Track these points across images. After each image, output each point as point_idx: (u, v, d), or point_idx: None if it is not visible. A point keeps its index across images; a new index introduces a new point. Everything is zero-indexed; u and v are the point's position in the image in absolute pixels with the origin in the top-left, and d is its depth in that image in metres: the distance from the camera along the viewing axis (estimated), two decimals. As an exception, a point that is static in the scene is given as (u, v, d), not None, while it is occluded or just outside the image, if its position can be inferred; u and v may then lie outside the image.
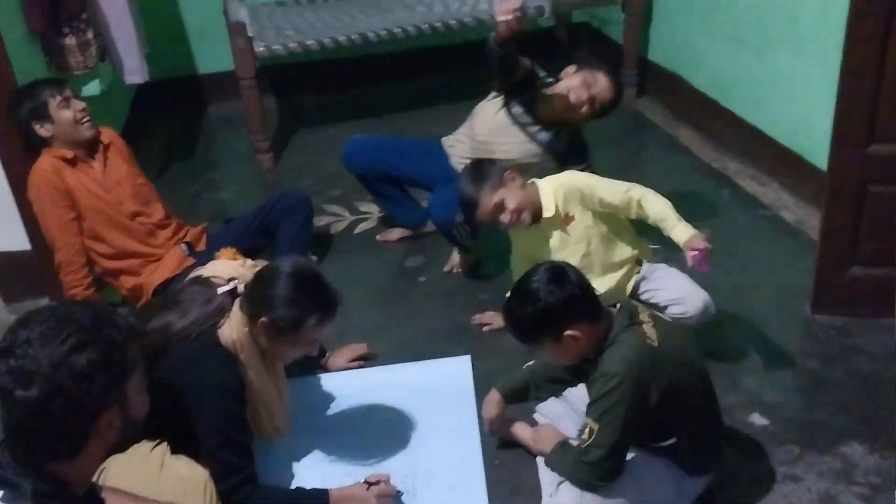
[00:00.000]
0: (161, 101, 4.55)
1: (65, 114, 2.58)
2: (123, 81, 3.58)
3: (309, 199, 2.99)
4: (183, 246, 2.78)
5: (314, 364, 2.46)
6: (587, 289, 1.84)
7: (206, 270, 2.09)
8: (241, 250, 2.81)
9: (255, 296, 1.92)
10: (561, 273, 1.82)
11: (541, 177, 2.47)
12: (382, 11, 4.17)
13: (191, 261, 2.73)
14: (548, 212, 2.37)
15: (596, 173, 2.66)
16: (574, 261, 2.24)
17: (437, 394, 2.35)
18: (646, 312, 1.88)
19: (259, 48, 3.73)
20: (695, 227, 3.17)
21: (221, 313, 1.97)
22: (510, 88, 2.85)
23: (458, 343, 2.60)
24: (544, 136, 2.82)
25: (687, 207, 3.27)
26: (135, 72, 3.51)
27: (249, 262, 2.12)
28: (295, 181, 3.78)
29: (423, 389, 2.37)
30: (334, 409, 2.35)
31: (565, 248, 2.38)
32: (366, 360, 2.54)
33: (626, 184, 2.40)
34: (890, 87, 2.28)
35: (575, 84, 2.72)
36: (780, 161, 3.36)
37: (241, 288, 1.98)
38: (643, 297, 2.41)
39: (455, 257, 3.01)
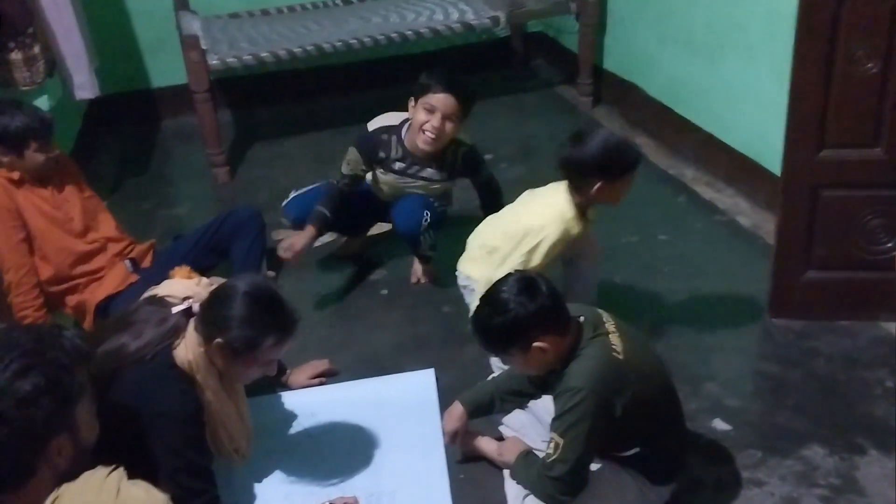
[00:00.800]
0: (114, 116, 4.48)
1: (37, 157, 2.53)
2: (73, 97, 3.50)
3: (259, 214, 2.94)
4: (127, 262, 2.72)
5: (275, 382, 2.41)
6: (557, 300, 1.83)
7: (161, 289, 2.04)
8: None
9: (210, 316, 1.88)
10: (532, 284, 1.81)
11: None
12: (338, 23, 4.15)
13: (134, 277, 2.67)
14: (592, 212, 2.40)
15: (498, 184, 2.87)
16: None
17: (401, 409, 2.33)
18: (611, 321, 1.88)
19: (213, 61, 3.68)
20: (651, 233, 3.25)
21: (176, 334, 1.92)
22: (373, 167, 2.88)
23: (422, 356, 2.58)
24: (430, 171, 2.83)
25: (644, 215, 3.33)
26: (85, 87, 3.45)
27: (205, 280, 2.07)
28: (251, 196, 3.73)
29: (387, 405, 2.34)
30: (296, 427, 2.31)
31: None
32: (328, 377, 2.50)
33: None
34: (839, 94, 2.32)
35: (421, 118, 2.68)
36: (736, 167, 3.40)
37: (195, 307, 1.94)
38: None
39: (418, 268, 2.99)
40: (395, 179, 2.86)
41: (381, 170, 2.86)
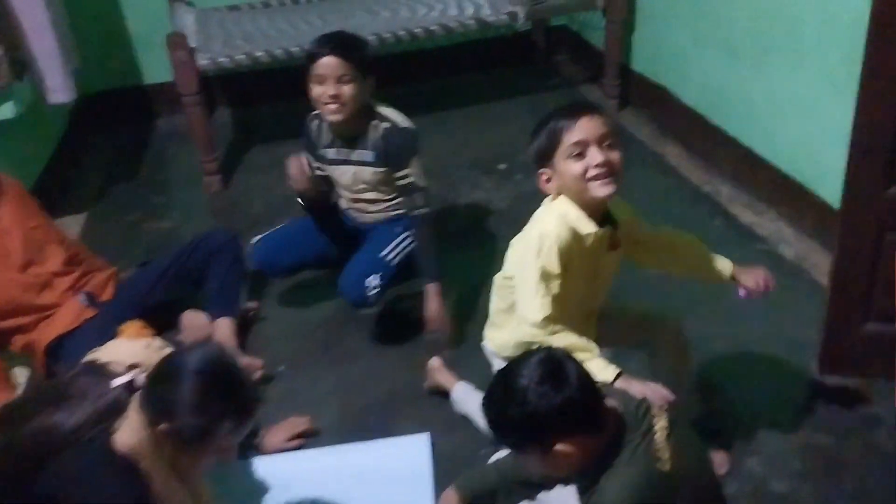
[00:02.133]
0: (104, 116, 4.20)
1: None
2: (46, 101, 3.20)
3: (236, 238, 2.65)
4: (81, 296, 2.42)
5: (246, 445, 2.11)
6: (590, 392, 1.47)
7: (104, 353, 1.73)
8: (156, 304, 2.51)
9: (154, 398, 1.57)
10: (558, 369, 1.45)
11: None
12: (344, 17, 3.82)
13: (90, 313, 2.39)
14: (622, 213, 1.87)
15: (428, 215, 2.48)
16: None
17: (389, 482, 2.02)
18: (661, 414, 1.53)
19: (202, 61, 3.37)
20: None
21: (117, 412, 1.61)
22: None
23: (417, 413, 2.26)
24: (360, 153, 2.54)
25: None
26: (59, 90, 3.15)
27: (157, 342, 1.76)
28: (245, 207, 3.43)
29: (373, 478, 2.03)
30: (268, 501, 2.01)
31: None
32: (307, 438, 2.19)
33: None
34: (914, 121, 1.96)
35: (316, 92, 2.43)
36: (778, 188, 3.03)
37: (140, 380, 1.63)
38: None
39: (430, 313, 2.61)
40: (336, 172, 2.61)
41: (319, 165, 2.61)
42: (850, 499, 1.91)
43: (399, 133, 2.49)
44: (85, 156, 3.96)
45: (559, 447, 1.44)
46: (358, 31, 3.57)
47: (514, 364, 1.51)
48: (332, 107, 2.42)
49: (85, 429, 1.59)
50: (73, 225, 3.38)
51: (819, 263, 2.71)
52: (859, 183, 2.06)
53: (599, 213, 1.78)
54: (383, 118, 2.50)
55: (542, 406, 1.42)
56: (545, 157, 1.75)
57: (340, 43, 2.44)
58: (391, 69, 4.39)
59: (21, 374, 2.42)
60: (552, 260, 1.73)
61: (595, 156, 1.69)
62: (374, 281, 2.46)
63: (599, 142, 1.71)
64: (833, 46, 2.66)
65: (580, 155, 1.70)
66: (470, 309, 2.64)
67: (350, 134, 2.52)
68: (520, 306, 1.79)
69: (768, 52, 3.01)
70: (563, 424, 1.43)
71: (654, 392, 1.62)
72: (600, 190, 1.71)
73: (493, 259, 2.90)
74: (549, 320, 1.73)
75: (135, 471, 1.60)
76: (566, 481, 1.69)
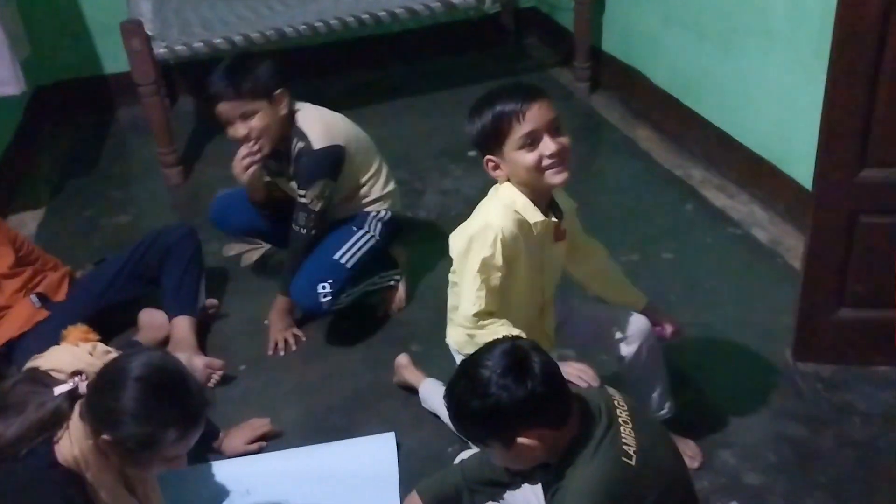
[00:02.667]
0: (62, 106, 4.06)
1: None
2: (-7, 94, 3.09)
3: (194, 233, 2.56)
4: (33, 297, 2.33)
5: (205, 448, 2.03)
6: (554, 383, 1.41)
7: (45, 361, 1.64)
8: (112, 303, 2.42)
9: (95, 407, 1.49)
10: (522, 361, 1.39)
11: None
12: (305, 2, 3.71)
13: (43, 314, 2.30)
14: (567, 203, 1.82)
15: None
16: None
17: (354, 485, 1.94)
18: (623, 405, 1.48)
19: (159, 49, 3.26)
20: (654, 251, 2.85)
21: (59, 422, 1.53)
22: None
23: (382, 412, 2.19)
24: (286, 169, 2.47)
25: (646, 227, 2.92)
26: (7, 82, 3.03)
27: (101, 348, 1.68)
28: (205, 200, 3.29)
29: (337, 480, 1.96)
30: (228, 507, 1.94)
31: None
32: (268, 440, 2.11)
33: None
34: (885, 102, 1.90)
35: (230, 134, 2.39)
36: (751, 170, 2.98)
37: (83, 387, 1.55)
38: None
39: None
40: (280, 182, 2.56)
41: (266, 175, 2.55)
42: (824, 490, 1.87)
43: (309, 155, 2.38)
44: (41, 149, 3.83)
45: (522, 440, 1.39)
46: (320, 15, 3.51)
47: (478, 355, 1.45)
48: (245, 151, 2.36)
49: (25, 440, 1.52)
50: (28, 222, 3.27)
51: (793, 247, 2.67)
52: (831, 166, 2.01)
53: (546, 201, 1.73)
54: (301, 135, 2.39)
55: (504, 398, 1.37)
56: (491, 144, 1.68)
57: (229, 82, 2.33)
58: (356, 54, 4.31)
59: (-29, 380, 2.32)
60: (495, 252, 1.67)
61: (549, 145, 1.64)
62: (325, 288, 2.37)
63: (550, 129, 1.65)
64: (803, 28, 2.61)
65: (532, 144, 1.64)
66: (439, 300, 2.57)
67: (278, 150, 2.43)
68: (460, 299, 1.73)
69: (738, 34, 2.95)
70: (525, 417, 1.38)
71: (578, 372, 1.61)
72: (556, 178, 1.67)
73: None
74: (482, 315, 1.68)
75: (79, 482, 1.53)
76: (532, 479, 1.63)
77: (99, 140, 3.94)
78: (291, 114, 2.41)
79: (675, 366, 2.20)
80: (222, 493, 1.97)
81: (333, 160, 2.39)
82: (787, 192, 2.79)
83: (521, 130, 1.63)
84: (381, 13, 3.52)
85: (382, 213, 2.56)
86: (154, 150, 3.49)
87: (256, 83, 2.33)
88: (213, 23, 3.53)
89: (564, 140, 1.67)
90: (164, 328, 2.43)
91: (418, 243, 2.84)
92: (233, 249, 2.97)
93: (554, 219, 1.75)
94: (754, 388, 2.18)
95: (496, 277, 1.69)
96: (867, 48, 1.85)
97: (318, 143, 2.38)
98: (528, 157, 1.64)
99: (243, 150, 2.40)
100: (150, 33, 3.25)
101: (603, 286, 1.98)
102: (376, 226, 2.54)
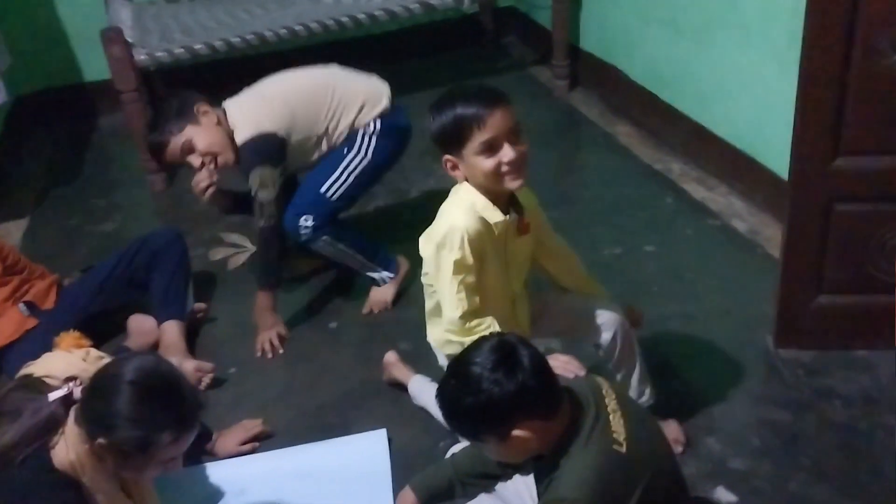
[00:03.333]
0: (43, 115, 4.07)
1: None
2: (-24, 103, 3.08)
3: (180, 237, 2.57)
4: (21, 306, 2.34)
5: (199, 450, 2.05)
6: (544, 375, 1.44)
7: (39, 367, 1.66)
8: (101, 310, 2.43)
9: (90, 411, 1.51)
10: (511, 355, 1.42)
11: None
12: (284, 6, 3.74)
13: (32, 322, 2.31)
14: (527, 199, 1.82)
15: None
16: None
17: (347, 482, 1.97)
18: (612, 395, 1.51)
19: (140, 56, 3.27)
20: (637, 244, 2.89)
21: (54, 427, 1.55)
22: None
23: (374, 409, 2.22)
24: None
25: (628, 221, 2.96)
26: (-12, 92, 3.02)
27: (94, 353, 1.69)
28: (189, 205, 3.33)
29: (330, 478, 1.98)
30: (223, 508, 1.96)
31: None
32: (261, 441, 2.13)
33: None
34: (857, 92, 1.95)
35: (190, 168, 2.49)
36: (729, 163, 3.03)
37: (77, 392, 1.56)
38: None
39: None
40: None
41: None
42: (808, 471, 1.91)
43: (242, 150, 2.43)
44: (23, 158, 3.83)
45: (516, 433, 1.41)
46: (300, 18, 3.53)
47: (467, 353, 1.48)
48: (211, 167, 2.42)
49: (20, 447, 1.53)
50: (13, 231, 3.28)
51: (772, 237, 2.72)
52: (805, 156, 2.05)
53: (505, 198, 1.75)
54: (232, 134, 2.45)
55: (496, 393, 1.39)
56: (451, 146, 1.69)
57: (154, 130, 2.43)
58: (336, 57, 4.30)
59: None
60: (464, 252, 1.69)
61: (507, 152, 1.65)
62: (307, 222, 2.43)
63: (510, 136, 1.66)
64: (776, 21, 2.65)
65: (491, 150, 1.65)
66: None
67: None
68: (442, 305, 1.75)
69: (713, 28, 3.00)
70: (518, 410, 1.41)
71: (564, 364, 1.64)
72: (512, 184, 1.70)
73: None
74: (467, 316, 1.70)
75: (76, 487, 1.54)
76: (524, 470, 1.66)
77: (81, 148, 3.94)
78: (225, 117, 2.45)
79: (658, 355, 2.26)
80: (217, 494, 1.98)
81: (261, 148, 2.40)
82: (764, 183, 2.84)
83: (480, 137, 1.64)
84: (361, 16, 3.54)
85: (370, 126, 2.54)
86: (137, 156, 3.49)
87: (172, 114, 2.40)
88: (193, 28, 3.54)
89: (523, 147, 1.68)
90: (154, 333, 2.45)
91: (403, 242, 2.85)
92: (219, 253, 2.98)
93: (514, 215, 1.77)
94: (737, 376, 2.22)
95: (470, 276, 1.71)
96: (838, 38, 1.89)
97: (241, 136, 2.42)
98: (487, 163, 1.66)
99: (200, 175, 2.44)
100: (130, 40, 3.26)
101: (573, 280, 1.99)
102: (368, 143, 2.53)
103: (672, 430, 1.96)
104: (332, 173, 2.49)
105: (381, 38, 4.27)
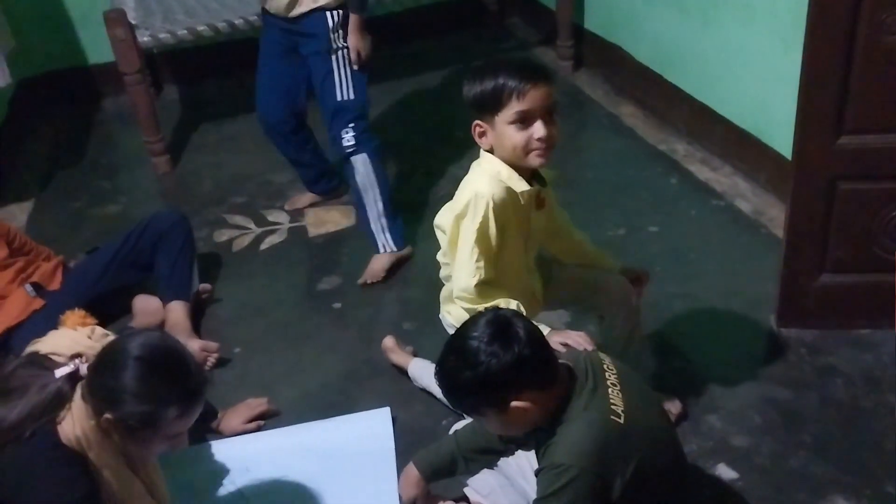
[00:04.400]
0: (47, 98, 4.06)
1: None
2: (-19, 86, 3.09)
3: (185, 219, 2.59)
4: (27, 286, 2.35)
5: (204, 428, 2.07)
6: (540, 347, 1.47)
7: (45, 345, 1.67)
8: (106, 290, 2.45)
9: (96, 387, 1.52)
10: (506, 328, 1.45)
11: None
12: (287, -14, 3.71)
13: (39, 303, 2.32)
14: (548, 173, 1.81)
15: None
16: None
17: (351, 460, 1.98)
18: (612, 369, 1.53)
19: (143, 38, 3.27)
20: (640, 224, 2.89)
21: (61, 403, 1.56)
22: None
23: (377, 388, 2.23)
24: None
25: (632, 201, 2.96)
26: (-8, 74, 3.02)
27: (100, 331, 1.70)
28: (194, 187, 3.35)
29: (334, 455, 2.00)
30: (227, 487, 1.97)
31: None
32: (266, 419, 2.15)
33: None
34: (861, 69, 1.94)
35: None
36: (733, 143, 3.02)
37: (83, 369, 1.57)
38: None
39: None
40: None
41: None
42: (809, 450, 1.92)
43: None
44: (28, 141, 3.83)
45: (515, 404, 1.43)
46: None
47: (463, 328, 1.50)
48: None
49: (27, 423, 1.54)
50: (18, 214, 3.28)
51: (776, 217, 2.71)
52: (809, 134, 2.05)
53: (529, 172, 1.76)
54: None
55: (494, 365, 1.42)
56: (484, 110, 1.70)
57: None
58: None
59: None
60: (488, 219, 1.70)
61: (539, 129, 1.66)
62: (346, 133, 2.57)
63: (545, 113, 1.66)
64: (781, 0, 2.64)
65: (524, 123, 1.66)
66: (428, 278, 2.60)
67: None
68: (454, 272, 1.76)
69: (717, 7, 2.98)
70: (517, 381, 1.43)
71: (574, 339, 1.66)
72: (536, 160, 1.71)
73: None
74: (483, 285, 1.71)
75: (82, 462, 1.56)
76: (526, 446, 1.67)
77: (85, 131, 3.95)
78: None
79: (661, 335, 2.27)
80: (222, 471, 2.00)
81: None
82: (768, 162, 2.84)
83: (517, 107, 1.64)
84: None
85: (336, 16, 2.57)
86: (141, 139, 3.50)
87: None
88: (196, 10, 3.52)
89: (555, 129, 1.69)
90: (159, 314, 2.46)
91: (407, 224, 2.86)
92: (223, 235, 2.98)
93: (536, 186, 1.78)
94: (740, 355, 2.23)
95: (491, 245, 1.71)
96: (842, 16, 1.88)
97: None
98: (517, 136, 1.66)
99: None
100: (133, 22, 3.25)
101: (580, 255, 2.00)
102: (340, 37, 2.59)
103: (674, 406, 1.97)
104: (335, 80, 2.59)
105: (385, 19, 4.24)
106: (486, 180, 1.72)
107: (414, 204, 3.05)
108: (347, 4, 2.56)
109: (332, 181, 3.05)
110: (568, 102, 3.74)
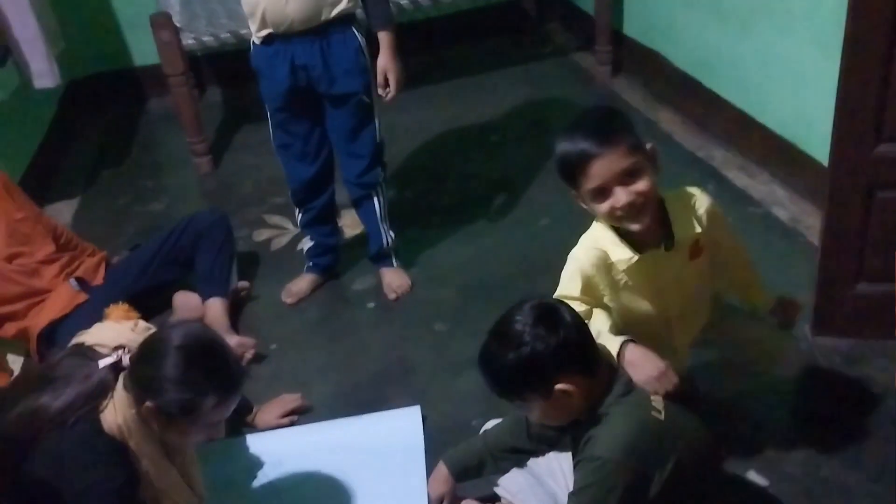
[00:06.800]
0: (94, 99, 4.18)
1: None
2: (32, 86, 3.18)
3: (225, 218, 2.64)
4: (72, 281, 2.43)
5: (239, 422, 2.12)
6: (584, 334, 1.50)
7: (90, 336, 1.73)
8: (147, 286, 2.51)
9: (138, 376, 1.57)
10: (552, 312, 1.48)
11: None
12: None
13: (82, 297, 2.39)
14: (689, 228, 1.65)
15: None
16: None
17: (382, 456, 2.01)
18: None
19: (188, 41, 3.35)
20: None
21: (103, 392, 1.62)
22: None
23: (409, 387, 2.26)
24: None
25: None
26: (43, 75, 3.13)
27: (143, 324, 1.76)
28: (235, 188, 3.42)
29: (365, 451, 2.03)
30: (261, 479, 2.01)
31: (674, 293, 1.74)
32: (300, 415, 2.19)
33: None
34: (901, 77, 1.93)
35: None
36: (772, 150, 3.00)
37: (126, 360, 1.63)
38: None
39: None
40: None
41: None
42: (841, 460, 1.90)
43: None
44: (75, 140, 3.94)
45: (560, 387, 1.44)
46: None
47: (508, 314, 1.52)
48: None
49: (71, 410, 1.60)
50: (64, 211, 3.38)
51: (813, 225, 2.69)
52: (847, 142, 2.03)
53: (647, 229, 1.61)
54: None
55: (539, 346, 1.44)
56: (569, 183, 1.62)
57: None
58: (378, 44, 4.36)
59: (15, 362, 2.42)
60: (571, 284, 1.66)
61: (620, 197, 1.54)
62: (382, 172, 2.55)
63: (622, 178, 1.54)
64: (820, 6, 2.62)
65: (603, 195, 1.56)
66: (461, 281, 2.64)
67: None
68: None
69: (757, 14, 2.97)
70: (561, 362, 1.44)
71: (659, 376, 1.54)
72: (631, 226, 1.59)
73: (485, 232, 2.91)
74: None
75: (123, 451, 1.61)
76: (560, 447, 1.69)
77: (130, 131, 4.05)
78: None
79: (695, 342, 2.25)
80: (256, 464, 2.05)
81: None
82: (806, 170, 2.81)
83: (588, 184, 1.55)
84: (404, 2, 3.57)
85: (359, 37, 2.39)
86: (184, 140, 3.58)
87: None
88: (239, 13, 3.55)
89: (641, 185, 1.55)
90: (198, 310, 2.52)
91: (443, 226, 2.90)
92: (262, 235, 3.04)
93: (652, 251, 1.63)
94: (773, 363, 2.21)
95: (581, 298, 1.65)
96: (882, 22, 1.87)
97: None
98: (602, 207, 1.57)
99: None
100: (178, 25, 3.34)
101: (729, 286, 1.91)
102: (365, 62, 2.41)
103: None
104: (371, 124, 2.47)
105: (424, 24, 4.29)
106: (582, 247, 1.67)
107: (450, 207, 3.08)
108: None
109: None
110: (605, 108, 3.75)
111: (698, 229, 1.67)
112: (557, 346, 1.44)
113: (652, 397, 1.49)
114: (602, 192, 1.56)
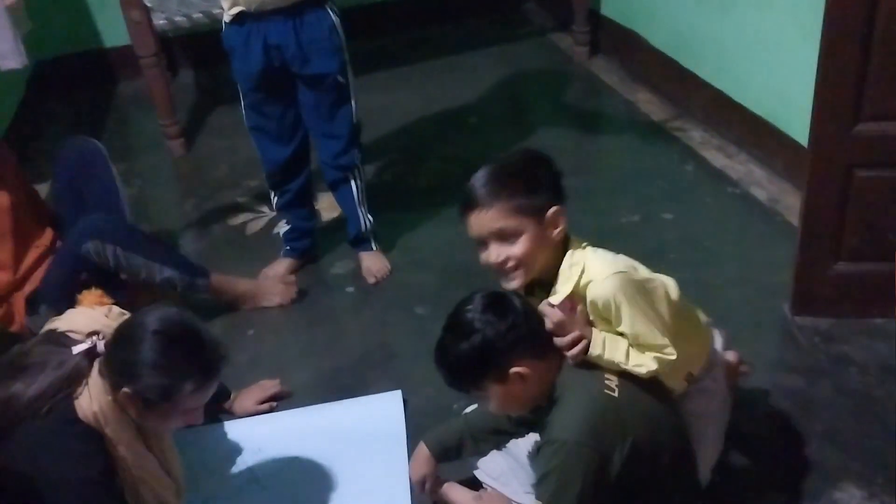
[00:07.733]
0: (63, 81, 4.09)
1: None
2: (-3, 68, 3.10)
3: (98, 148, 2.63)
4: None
5: (217, 409, 2.08)
6: (533, 317, 1.51)
7: (63, 323, 1.69)
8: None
9: (114, 361, 1.54)
10: (501, 299, 1.51)
11: None
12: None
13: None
14: (563, 288, 1.55)
15: None
16: None
17: (363, 442, 1.99)
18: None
19: (159, 21, 3.28)
20: (655, 211, 2.87)
21: (78, 379, 1.58)
22: None
23: (390, 372, 2.24)
24: None
25: (647, 188, 2.95)
26: (8, 56, 3.03)
27: (116, 310, 1.72)
28: (209, 170, 3.36)
29: (346, 437, 2.01)
30: (240, 464, 1.99)
31: None
32: (279, 400, 2.16)
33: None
34: (880, 54, 1.92)
35: None
36: (750, 130, 3.00)
37: (101, 346, 1.59)
38: None
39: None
40: None
41: None
42: (822, 438, 1.91)
43: None
44: (44, 123, 3.86)
45: (515, 370, 1.46)
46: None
47: (457, 307, 1.54)
48: None
49: (45, 398, 1.57)
50: (35, 194, 3.30)
51: (792, 205, 2.70)
52: (826, 121, 2.03)
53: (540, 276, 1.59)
54: None
55: (489, 332, 1.46)
56: None
57: None
58: (355, 23, 4.28)
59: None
60: None
61: (491, 254, 1.55)
62: (358, 154, 2.50)
63: (495, 238, 1.54)
64: (800, -15, 2.62)
65: (482, 244, 1.57)
66: (441, 263, 2.62)
67: None
68: None
69: (735, -7, 2.96)
70: (513, 345, 1.46)
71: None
72: (506, 284, 1.58)
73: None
74: None
75: (99, 438, 1.58)
76: (539, 427, 1.68)
77: (101, 113, 3.97)
78: None
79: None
80: (235, 451, 2.02)
81: None
82: (785, 150, 2.82)
83: (469, 232, 1.58)
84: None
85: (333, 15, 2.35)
86: (156, 122, 3.52)
87: None
88: (212, -8, 3.53)
89: (514, 251, 1.52)
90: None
91: (420, 209, 2.87)
92: (238, 219, 3.00)
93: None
94: (753, 343, 2.20)
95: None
96: (861, 1, 1.86)
97: None
98: (482, 258, 1.59)
99: None
100: (149, 4, 3.26)
101: None
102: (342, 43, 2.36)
103: (732, 355, 1.85)
104: (347, 105, 2.43)
105: (401, 4, 4.25)
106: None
107: (429, 189, 3.05)
108: None
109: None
110: (583, 88, 3.73)
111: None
112: (507, 329, 1.46)
113: (605, 375, 1.50)
114: (480, 243, 1.58)
